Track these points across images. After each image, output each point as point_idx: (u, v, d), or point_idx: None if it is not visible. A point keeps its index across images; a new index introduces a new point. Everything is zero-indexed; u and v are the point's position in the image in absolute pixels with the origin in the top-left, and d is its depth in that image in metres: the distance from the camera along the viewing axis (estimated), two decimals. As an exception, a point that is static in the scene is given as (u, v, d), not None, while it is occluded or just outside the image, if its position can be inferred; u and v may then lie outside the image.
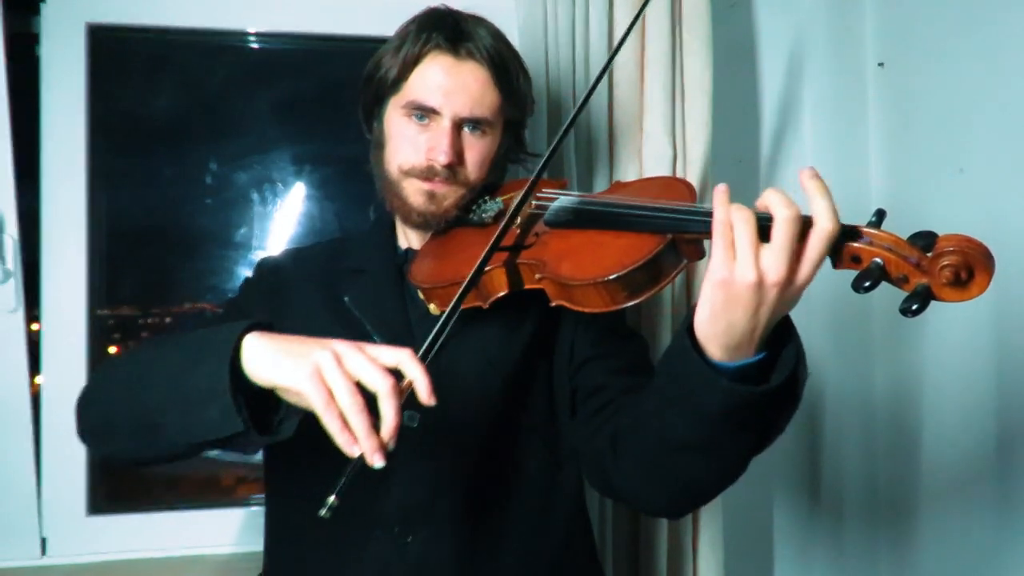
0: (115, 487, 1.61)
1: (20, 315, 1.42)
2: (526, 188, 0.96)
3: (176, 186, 1.68)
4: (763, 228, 0.70)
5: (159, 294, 1.74)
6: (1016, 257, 1.31)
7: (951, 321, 1.44)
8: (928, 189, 1.54)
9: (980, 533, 1.41)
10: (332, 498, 0.71)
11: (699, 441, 0.79)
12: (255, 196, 1.68)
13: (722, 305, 0.71)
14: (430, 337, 0.82)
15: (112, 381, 0.93)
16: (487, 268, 0.91)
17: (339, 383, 0.71)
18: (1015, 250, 1.32)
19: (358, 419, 0.70)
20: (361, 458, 0.70)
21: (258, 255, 1.67)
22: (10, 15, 1.39)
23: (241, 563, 1.47)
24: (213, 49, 1.66)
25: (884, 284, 0.71)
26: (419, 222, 1.04)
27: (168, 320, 1.76)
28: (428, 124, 1.01)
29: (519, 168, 1.22)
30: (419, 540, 0.96)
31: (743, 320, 0.71)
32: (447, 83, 0.99)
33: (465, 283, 0.88)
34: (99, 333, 1.56)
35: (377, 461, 0.70)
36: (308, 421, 1.01)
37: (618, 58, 1.46)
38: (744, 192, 1.69)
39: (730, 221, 0.71)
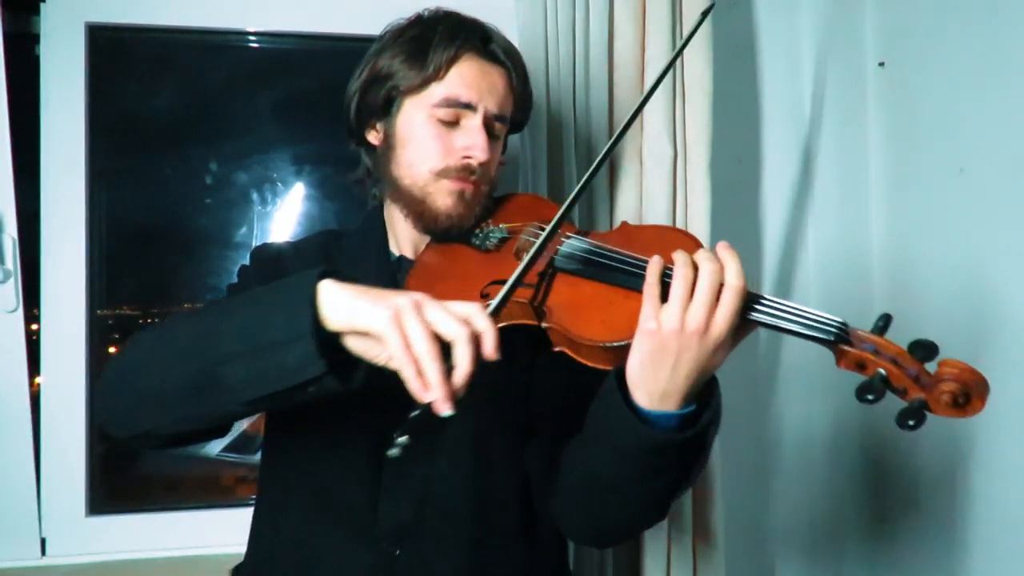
0: (115, 487, 1.61)
1: (20, 315, 1.42)
2: (550, 228, 0.91)
3: (176, 186, 1.68)
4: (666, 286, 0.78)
5: (159, 294, 1.73)
6: (1016, 258, 1.31)
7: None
8: (928, 189, 1.54)
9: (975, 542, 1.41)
10: (404, 437, 0.72)
11: (615, 479, 0.84)
12: (255, 196, 1.68)
13: (649, 353, 0.78)
14: (499, 297, 0.82)
15: (161, 345, 0.86)
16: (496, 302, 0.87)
17: (417, 330, 0.71)
18: (1014, 250, 1.32)
19: (433, 366, 0.70)
20: (429, 406, 0.71)
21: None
22: (10, 15, 1.39)
23: (241, 563, 1.47)
24: (213, 49, 1.66)
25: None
26: (445, 226, 1.01)
27: (168, 320, 1.76)
28: (458, 125, 1.01)
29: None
30: (407, 553, 0.95)
31: (667, 368, 0.77)
32: (482, 82, 1.01)
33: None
34: (99, 333, 1.56)
35: (446, 410, 0.70)
36: (309, 426, 1.01)
37: (617, 58, 1.46)
38: (744, 192, 1.71)
39: (659, 281, 0.79)
